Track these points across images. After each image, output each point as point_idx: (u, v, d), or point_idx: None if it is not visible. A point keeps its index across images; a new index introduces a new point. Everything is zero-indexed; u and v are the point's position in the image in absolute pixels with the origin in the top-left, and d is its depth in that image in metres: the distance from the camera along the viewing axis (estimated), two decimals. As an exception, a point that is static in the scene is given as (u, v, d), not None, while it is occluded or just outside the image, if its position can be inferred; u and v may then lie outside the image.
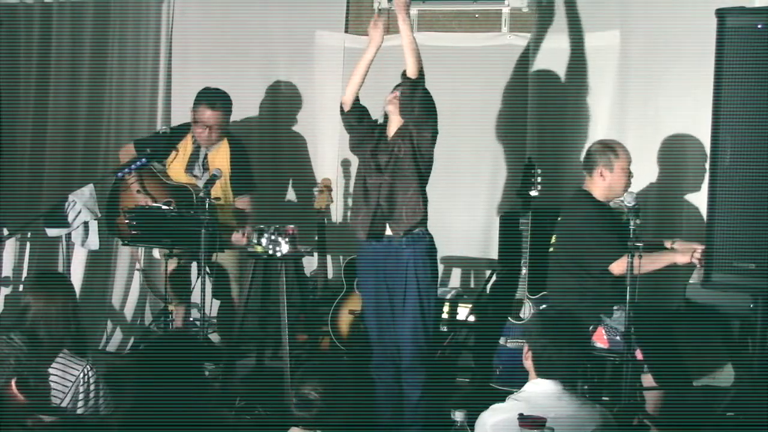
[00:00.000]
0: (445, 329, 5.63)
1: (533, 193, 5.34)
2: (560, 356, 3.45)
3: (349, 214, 6.15)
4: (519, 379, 3.65)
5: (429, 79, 4.78)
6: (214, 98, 5.60)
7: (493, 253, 5.91)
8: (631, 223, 4.38)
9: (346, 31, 6.28)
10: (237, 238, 5.25)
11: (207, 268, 5.38)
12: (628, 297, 4.34)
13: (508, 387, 4.52)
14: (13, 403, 3.15)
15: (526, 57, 5.96)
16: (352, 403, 3.16)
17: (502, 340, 5.27)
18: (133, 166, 5.56)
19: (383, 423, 4.75)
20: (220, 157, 5.67)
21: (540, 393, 3.42)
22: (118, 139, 6.42)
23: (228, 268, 5.71)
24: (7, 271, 6.47)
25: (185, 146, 5.74)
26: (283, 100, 6.42)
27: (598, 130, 5.84)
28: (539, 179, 5.33)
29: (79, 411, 3.70)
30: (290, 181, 6.42)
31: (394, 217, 4.67)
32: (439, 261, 4.93)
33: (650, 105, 5.75)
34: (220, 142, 5.69)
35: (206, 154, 5.70)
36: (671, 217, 5.69)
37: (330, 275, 6.03)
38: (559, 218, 5.03)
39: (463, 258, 6.08)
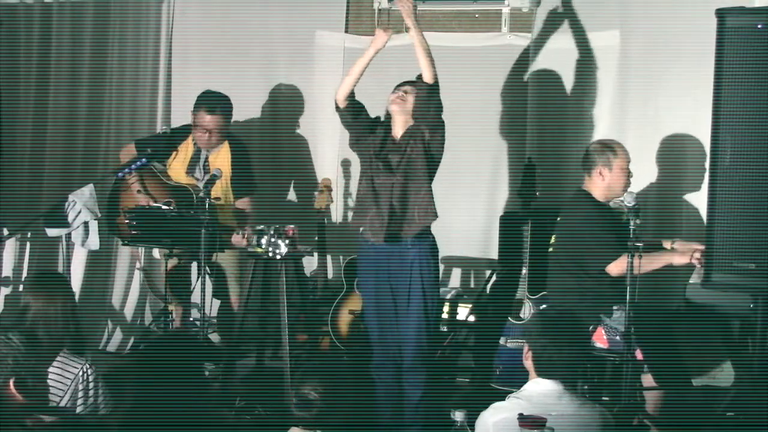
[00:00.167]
0: (445, 329, 5.63)
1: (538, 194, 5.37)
2: (560, 356, 3.46)
3: (351, 214, 6.15)
4: (519, 379, 3.65)
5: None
6: (213, 103, 5.59)
7: (493, 253, 5.91)
8: (631, 223, 4.38)
9: (346, 31, 6.28)
10: (237, 239, 5.25)
11: (207, 268, 5.39)
12: (628, 297, 4.34)
13: (508, 387, 4.51)
14: (12, 403, 3.15)
15: (526, 57, 5.96)
16: (352, 403, 3.16)
17: (502, 340, 5.27)
18: (133, 166, 5.56)
19: (383, 423, 4.75)
20: (221, 159, 5.67)
21: (541, 392, 3.43)
22: (118, 139, 6.43)
23: (226, 269, 5.71)
24: (7, 271, 6.47)
25: (186, 148, 5.74)
26: (283, 101, 6.42)
27: (598, 130, 5.84)
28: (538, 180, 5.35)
29: (78, 410, 3.70)
30: (291, 182, 6.42)
31: (407, 218, 4.68)
32: (439, 261, 4.93)
33: (650, 105, 5.75)
34: (220, 145, 5.68)
35: (207, 156, 5.70)
36: (671, 217, 5.69)
37: (330, 275, 6.03)
38: (558, 218, 5.03)
39: (463, 258, 6.08)
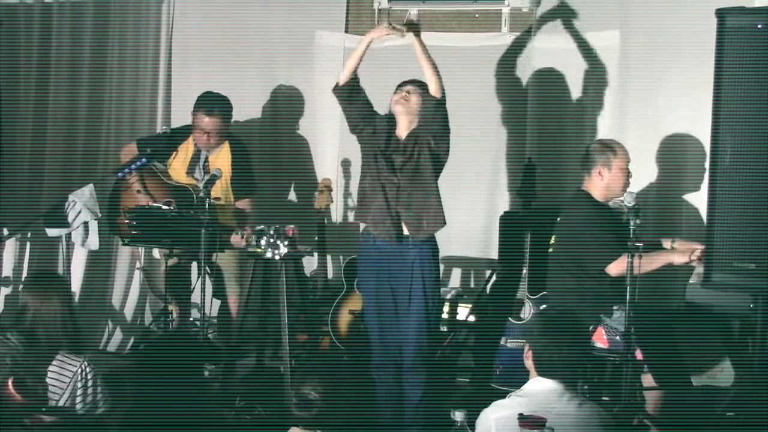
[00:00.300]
0: (445, 329, 5.63)
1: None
2: (561, 356, 3.46)
3: (352, 213, 6.15)
4: (519, 379, 3.66)
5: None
6: (211, 105, 5.59)
7: (493, 253, 5.91)
8: (631, 223, 4.38)
9: (346, 31, 6.28)
10: (236, 240, 5.25)
11: (207, 268, 5.39)
12: (628, 297, 4.34)
13: (508, 387, 4.52)
14: (11, 403, 3.15)
15: (524, 56, 5.96)
16: (352, 403, 3.16)
17: (502, 340, 5.27)
18: (133, 166, 5.56)
19: (383, 423, 4.75)
20: (221, 160, 5.67)
21: (542, 391, 3.43)
22: (118, 139, 6.43)
23: (224, 269, 5.70)
24: (7, 271, 6.47)
25: (186, 148, 5.74)
26: (283, 101, 6.42)
27: (597, 130, 5.84)
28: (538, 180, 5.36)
29: (77, 407, 3.70)
30: (292, 182, 6.42)
31: (412, 223, 4.68)
32: (440, 261, 4.93)
33: (650, 105, 5.75)
34: (221, 145, 5.68)
35: (207, 157, 5.70)
36: (671, 217, 5.69)
37: (330, 275, 6.03)
38: (558, 218, 5.03)
39: (463, 258, 6.08)
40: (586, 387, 4.45)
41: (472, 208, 6.04)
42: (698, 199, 5.49)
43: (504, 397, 3.52)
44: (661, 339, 4.75)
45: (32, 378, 3.25)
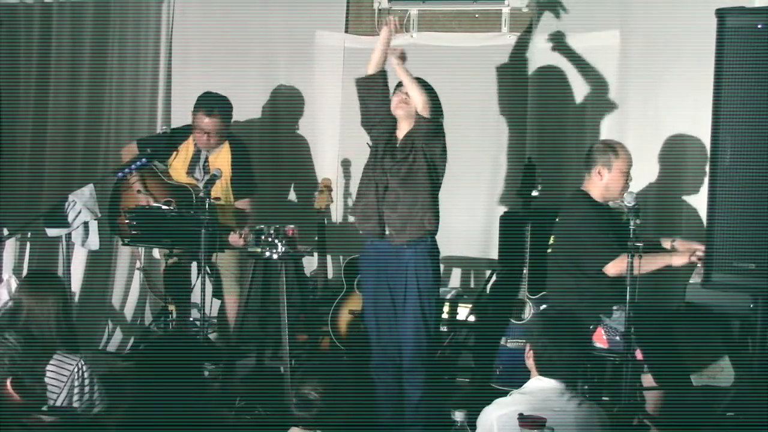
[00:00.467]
0: (445, 329, 5.63)
1: (534, 193, 5.35)
2: (561, 356, 3.46)
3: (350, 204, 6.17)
4: (519, 379, 3.66)
5: (429, 79, 4.79)
6: (211, 105, 5.58)
7: (493, 253, 5.91)
8: (631, 223, 4.38)
9: (346, 31, 6.28)
10: (234, 239, 5.25)
11: (207, 268, 5.39)
12: (628, 297, 4.34)
13: (509, 387, 4.52)
14: (9, 403, 3.15)
15: (524, 56, 5.96)
16: (352, 403, 3.16)
17: (502, 340, 5.27)
18: (133, 166, 5.56)
19: (383, 423, 4.75)
20: (221, 159, 5.67)
21: (543, 389, 3.44)
22: (118, 139, 6.43)
23: (222, 269, 5.70)
24: (7, 271, 6.46)
25: (187, 148, 5.74)
26: (283, 101, 6.42)
27: (597, 130, 5.84)
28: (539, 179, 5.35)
29: (75, 405, 3.70)
30: (292, 182, 6.42)
31: (395, 225, 4.69)
32: (440, 262, 4.93)
33: (650, 105, 5.75)
34: (221, 145, 5.68)
35: (207, 156, 5.70)
36: (671, 217, 5.69)
37: (330, 275, 6.03)
38: (557, 218, 5.03)
39: (463, 258, 6.08)
40: (586, 387, 4.45)
41: (472, 208, 6.04)
42: (698, 199, 5.49)
43: (504, 396, 3.52)
44: (661, 339, 4.75)
45: (30, 378, 3.25)
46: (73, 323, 3.97)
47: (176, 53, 6.55)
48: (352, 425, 3.14)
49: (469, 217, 6.00)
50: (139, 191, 5.64)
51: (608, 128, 5.80)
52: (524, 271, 5.29)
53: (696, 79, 5.30)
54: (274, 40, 6.38)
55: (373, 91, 4.82)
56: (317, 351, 5.60)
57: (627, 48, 5.79)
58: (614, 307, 4.74)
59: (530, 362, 3.54)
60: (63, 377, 3.71)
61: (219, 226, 5.20)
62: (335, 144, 6.29)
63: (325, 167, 6.29)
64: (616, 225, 4.82)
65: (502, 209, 5.94)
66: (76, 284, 6.37)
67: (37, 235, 6.36)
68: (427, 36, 6.03)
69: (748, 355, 4.58)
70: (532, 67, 5.95)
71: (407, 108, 4.74)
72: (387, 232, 4.72)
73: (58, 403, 3.68)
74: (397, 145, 4.77)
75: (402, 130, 4.80)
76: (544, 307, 5.15)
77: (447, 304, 5.67)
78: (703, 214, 4.91)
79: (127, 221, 5.35)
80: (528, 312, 5.28)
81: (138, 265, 6.43)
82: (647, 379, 4.70)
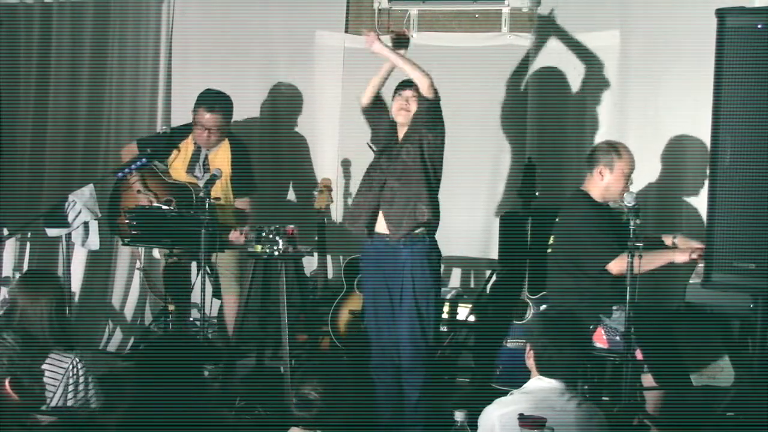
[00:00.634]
0: (445, 329, 5.63)
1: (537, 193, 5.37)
2: (561, 356, 3.47)
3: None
4: (519, 379, 3.66)
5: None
6: (212, 102, 5.59)
7: (493, 253, 5.91)
8: (631, 223, 4.37)
9: (346, 31, 6.28)
10: (235, 236, 5.26)
11: (207, 268, 5.39)
12: (628, 297, 4.34)
13: (509, 387, 4.52)
14: (8, 403, 3.15)
15: (526, 57, 5.96)
16: (352, 403, 3.16)
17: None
18: (133, 166, 5.56)
19: (383, 423, 4.75)
20: (221, 158, 5.67)
21: (544, 388, 3.44)
22: (118, 139, 6.43)
23: (223, 269, 5.70)
24: (7, 271, 6.47)
25: (186, 146, 5.74)
26: (283, 101, 6.42)
27: (597, 130, 5.84)
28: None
29: (69, 403, 3.71)
30: (291, 182, 6.42)
31: (392, 220, 4.68)
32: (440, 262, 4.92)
33: (650, 105, 5.75)
34: (220, 143, 5.69)
35: (207, 155, 5.71)
36: (671, 217, 5.69)
37: (330, 275, 6.03)
38: (557, 218, 5.02)
39: (463, 258, 6.08)
40: (586, 387, 4.45)
41: (472, 208, 6.04)
42: (698, 199, 5.49)
43: (504, 396, 3.52)
44: (661, 339, 4.75)
45: (29, 378, 3.25)
46: (68, 323, 3.97)
47: (176, 53, 6.55)
48: (352, 425, 3.15)
49: (469, 217, 6.00)
50: (139, 191, 5.64)
51: (608, 128, 5.79)
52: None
53: (696, 79, 5.30)
54: (274, 40, 6.38)
55: (380, 117, 4.83)
56: (317, 351, 5.60)
57: (627, 48, 5.79)
58: (614, 307, 4.74)
59: (530, 362, 3.54)
60: (58, 376, 3.71)
61: (219, 226, 5.20)
62: (335, 144, 6.29)
63: (325, 167, 6.29)
64: (616, 225, 4.82)
65: (502, 209, 5.93)
66: (76, 284, 6.37)
67: (37, 235, 6.36)
68: (427, 36, 6.02)
69: (748, 355, 4.58)
70: (532, 68, 5.94)
71: (407, 114, 4.74)
72: (380, 230, 4.71)
73: (55, 402, 3.69)
74: (396, 146, 4.77)
75: (402, 132, 4.80)
76: (544, 307, 5.15)
77: (447, 304, 5.67)
78: (703, 213, 4.91)
79: (127, 221, 5.35)
80: (529, 312, 5.28)
81: (138, 265, 6.43)
82: (647, 379, 4.70)
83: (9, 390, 3.16)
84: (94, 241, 5.70)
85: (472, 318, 5.64)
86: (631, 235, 4.34)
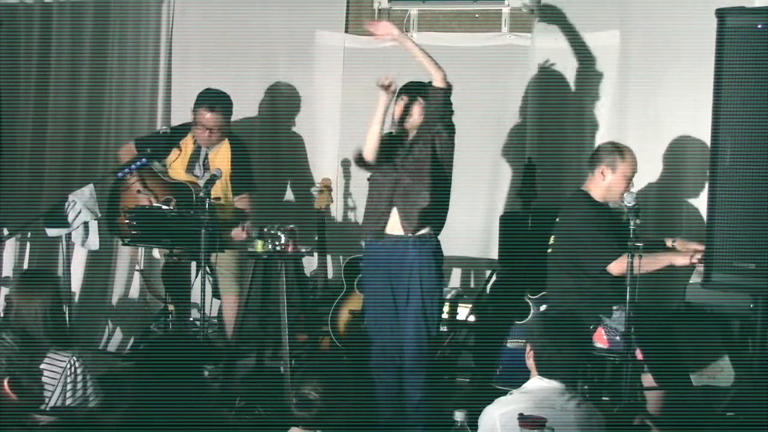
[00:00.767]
0: (445, 329, 5.63)
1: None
2: (560, 356, 3.47)
3: (352, 213, 6.16)
4: (520, 379, 3.66)
5: (429, 80, 4.79)
6: (213, 101, 5.60)
7: (493, 253, 5.91)
8: (631, 223, 4.37)
9: (346, 31, 6.28)
10: (237, 233, 5.27)
11: (207, 268, 5.39)
12: (628, 297, 4.34)
13: (509, 387, 4.52)
14: (7, 403, 3.15)
15: (525, 57, 5.97)
16: (352, 403, 3.16)
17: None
18: (133, 167, 5.56)
19: (383, 423, 4.75)
20: (221, 157, 5.67)
21: (544, 388, 3.44)
22: (118, 139, 6.43)
23: (223, 268, 5.69)
24: (7, 271, 6.47)
25: (186, 145, 5.74)
26: (282, 100, 6.42)
27: (597, 130, 5.84)
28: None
29: (68, 402, 3.71)
30: (291, 182, 6.42)
31: (410, 220, 4.67)
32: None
33: (650, 105, 5.75)
34: (220, 142, 5.69)
35: (207, 154, 5.71)
36: (671, 217, 5.69)
37: (330, 275, 6.02)
38: (557, 218, 5.02)
39: (463, 258, 6.08)
40: (586, 387, 4.45)
41: (472, 208, 6.04)
42: (698, 199, 5.49)
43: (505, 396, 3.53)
44: (661, 339, 4.75)
45: (27, 378, 3.25)
46: (65, 322, 3.96)
47: (176, 53, 6.55)
48: (352, 425, 3.15)
49: (469, 217, 6.00)
50: (139, 191, 5.64)
51: (608, 128, 5.79)
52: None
53: (696, 79, 5.30)
54: (274, 40, 6.38)
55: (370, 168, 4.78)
56: (317, 351, 5.60)
57: (627, 48, 5.79)
58: (614, 307, 4.74)
59: (530, 362, 3.55)
60: (56, 375, 3.71)
61: (219, 226, 5.20)
62: (335, 144, 6.29)
63: (325, 167, 6.29)
64: (617, 225, 4.82)
65: (502, 209, 5.93)
66: (76, 284, 6.37)
67: (37, 235, 6.36)
68: (427, 36, 6.02)
69: (748, 355, 4.57)
70: (532, 68, 5.94)
71: (411, 119, 4.74)
72: (392, 231, 4.69)
73: (53, 401, 3.69)
74: (406, 145, 4.76)
75: (410, 134, 4.79)
76: (544, 307, 5.15)
77: (447, 304, 5.67)
78: (703, 213, 4.91)
79: (127, 221, 5.35)
80: (530, 312, 5.28)
81: (137, 267, 6.43)
82: (647, 379, 4.70)
83: (8, 390, 3.16)
84: (93, 241, 5.70)
85: (472, 318, 5.64)
86: (631, 235, 4.34)
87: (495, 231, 5.86)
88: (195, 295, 5.48)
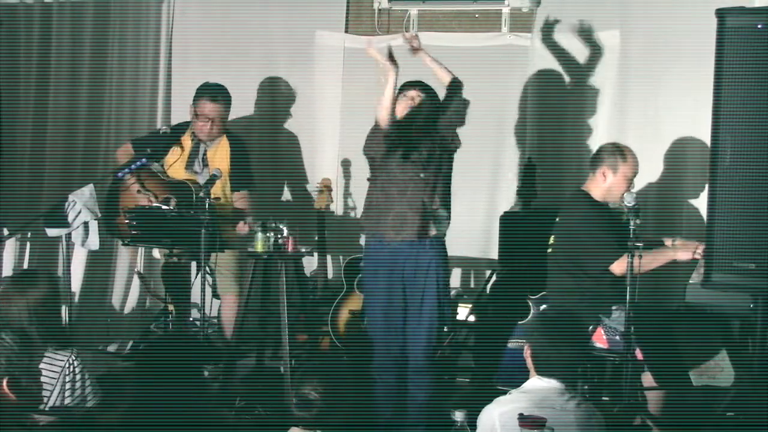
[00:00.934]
0: (445, 329, 5.63)
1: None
2: (558, 356, 3.47)
3: (354, 214, 6.15)
4: (519, 379, 3.66)
5: (429, 80, 4.78)
6: (215, 91, 5.62)
7: (493, 253, 5.91)
8: (631, 223, 4.37)
9: (346, 31, 6.29)
10: (240, 227, 5.29)
11: (207, 268, 5.39)
12: (628, 297, 4.34)
13: (509, 386, 4.51)
14: (6, 403, 3.15)
15: (525, 57, 5.97)
16: (352, 403, 3.16)
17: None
18: (132, 167, 5.56)
19: (383, 423, 4.74)
20: (220, 154, 5.67)
21: (543, 388, 3.45)
22: (118, 139, 6.42)
23: (222, 268, 5.69)
24: (7, 271, 6.46)
25: (184, 143, 5.74)
26: (282, 100, 6.42)
27: (597, 130, 5.84)
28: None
29: (66, 401, 3.71)
30: (292, 182, 6.42)
31: (415, 218, 4.63)
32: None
33: (650, 105, 5.76)
34: (219, 139, 5.69)
35: (206, 150, 5.70)
36: (671, 217, 5.69)
37: (330, 275, 6.03)
38: (557, 218, 5.02)
39: (463, 258, 6.08)
40: (586, 387, 4.45)
41: (472, 208, 6.04)
42: (698, 200, 5.49)
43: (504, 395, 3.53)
44: (661, 339, 4.75)
45: (27, 378, 3.25)
46: (59, 322, 3.96)
47: (176, 53, 6.56)
48: (352, 425, 3.15)
49: (469, 217, 6.00)
50: (138, 191, 5.64)
51: (608, 128, 5.79)
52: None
53: (696, 79, 5.30)
54: (274, 40, 6.39)
55: (379, 143, 4.69)
56: (317, 351, 5.60)
57: (627, 48, 5.79)
58: (614, 307, 4.73)
59: (529, 362, 3.55)
60: (54, 375, 3.71)
61: (219, 225, 5.21)
62: (335, 144, 6.29)
63: (325, 167, 6.29)
64: (617, 225, 4.82)
65: (502, 209, 5.93)
66: (76, 284, 6.37)
67: (37, 235, 6.35)
68: (427, 36, 5.99)
69: (748, 355, 4.58)
70: (532, 68, 5.95)
71: (415, 115, 4.72)
72: (395, 231, 4.67)
73: (53, 401, 3.69)
74: (406, 145, 4.73)
75: (414, 132, 4.78)
76: (544, 307, 5.15)
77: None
78: (703, 213, 4.91)
79: (126, 221, 5.35)
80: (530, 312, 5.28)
81: (136, 269, 6.43)
82: (647, 379, 4.70)
83: (6, 390, 3.16)
84: (93, 241, 5.70)
85: (472, 318, 5.64)
86: (631, 235, 4.34)
87: (495, 231, 5.85)
88: (195, 295, 5.48)
